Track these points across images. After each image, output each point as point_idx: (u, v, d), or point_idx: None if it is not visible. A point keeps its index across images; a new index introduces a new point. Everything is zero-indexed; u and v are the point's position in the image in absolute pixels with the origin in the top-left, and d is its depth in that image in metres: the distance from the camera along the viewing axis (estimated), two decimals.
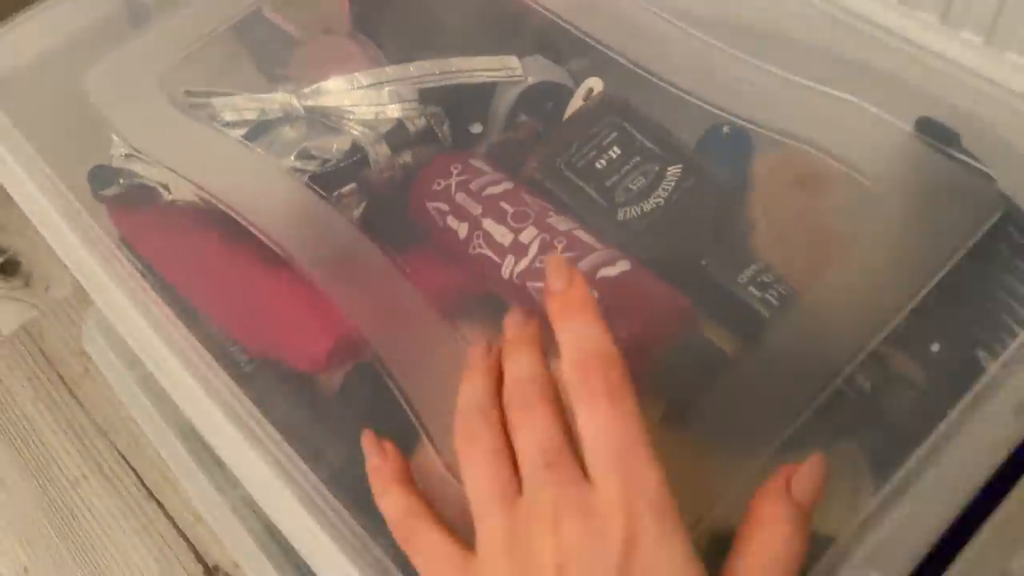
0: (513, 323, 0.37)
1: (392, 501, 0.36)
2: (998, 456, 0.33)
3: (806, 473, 0.33)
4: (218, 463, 0.66)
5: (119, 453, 0.93)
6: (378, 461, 0.37)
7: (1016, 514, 0.35)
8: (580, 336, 0.33)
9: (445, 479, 0.38)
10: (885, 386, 0.36)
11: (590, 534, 0.30)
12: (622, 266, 0.42)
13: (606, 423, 0.31)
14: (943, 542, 0.33)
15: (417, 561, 0.34)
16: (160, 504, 0.89)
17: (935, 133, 0.40)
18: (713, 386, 0.37)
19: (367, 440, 0.38)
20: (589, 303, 0.34)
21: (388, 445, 0.38)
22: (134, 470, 0.91)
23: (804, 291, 0.41)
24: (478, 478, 0.33)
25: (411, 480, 0.37)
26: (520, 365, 0.35)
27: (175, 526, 0.87)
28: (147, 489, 0.90)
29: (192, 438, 0.67)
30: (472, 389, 0.35)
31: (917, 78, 0.43)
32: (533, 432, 0.32)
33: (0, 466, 0.93)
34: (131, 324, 0.46)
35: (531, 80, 0.55)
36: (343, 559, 0.37)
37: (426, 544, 0.34)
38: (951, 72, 0.43)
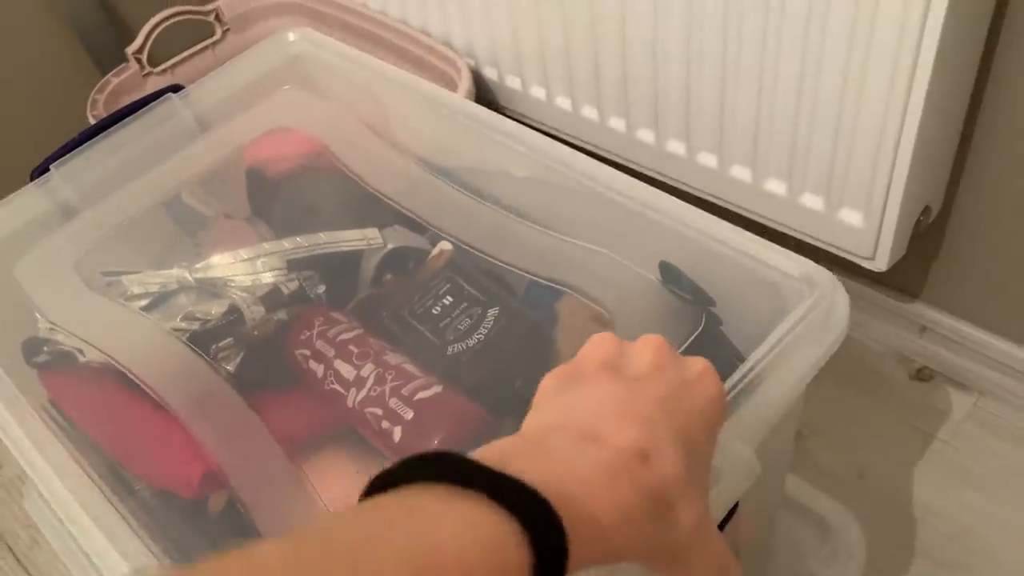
0: None
1: None
2: None
3: None
4: None
5: None
6: None
7: None
8: None
9: None
10: None
11: None
12: (435, 389, 0.52)
13: None
14: None
15: None
16: None
17: (668, 272, 0.52)
18: None
19: None
20: None
21: None
22: None
23: None
24: None
25: None
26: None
27: None
28: None
29: None
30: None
31: (665, 232, 0.54)
32: None
33: None
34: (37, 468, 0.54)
35: (391, 246, 0.66)
36: None
37: None
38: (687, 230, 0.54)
